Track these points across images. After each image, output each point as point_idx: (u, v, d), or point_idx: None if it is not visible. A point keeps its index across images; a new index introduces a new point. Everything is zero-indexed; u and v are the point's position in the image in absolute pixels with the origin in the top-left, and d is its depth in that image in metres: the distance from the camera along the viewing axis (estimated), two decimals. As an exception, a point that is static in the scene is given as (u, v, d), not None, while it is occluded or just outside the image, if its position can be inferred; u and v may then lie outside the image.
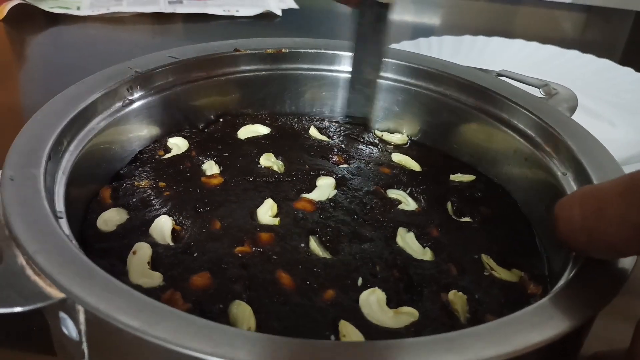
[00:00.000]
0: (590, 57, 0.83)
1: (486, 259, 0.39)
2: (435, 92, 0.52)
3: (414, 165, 0.49)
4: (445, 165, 0.49)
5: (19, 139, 0.36)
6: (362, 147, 0.50)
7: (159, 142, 0.48)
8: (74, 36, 0.93)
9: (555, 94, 0.46)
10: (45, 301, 0.27)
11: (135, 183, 0.43)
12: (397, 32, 0.99)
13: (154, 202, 0.41)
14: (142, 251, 0.36)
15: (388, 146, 0.51)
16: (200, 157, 0.46)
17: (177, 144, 0.47)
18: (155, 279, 0.34)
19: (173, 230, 0.38)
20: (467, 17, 1.20)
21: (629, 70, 0.80)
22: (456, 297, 0.35)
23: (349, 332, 0.32)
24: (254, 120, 0.52)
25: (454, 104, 0.51)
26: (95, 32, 0.94)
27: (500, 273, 0.38)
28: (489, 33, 0.87)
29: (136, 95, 0.46)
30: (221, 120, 0.51)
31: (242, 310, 0.33)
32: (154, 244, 0.37)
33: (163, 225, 0.38)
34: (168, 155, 0.46)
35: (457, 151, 0.50)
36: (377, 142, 0.52)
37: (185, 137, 0.48)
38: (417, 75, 0.52)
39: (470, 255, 0.39)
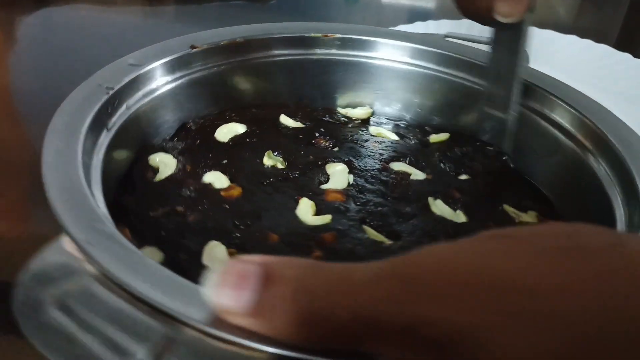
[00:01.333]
0: (588, 42, 0.81)
1: (508, 208, 0.43)
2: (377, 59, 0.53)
3: (390, 135, 0.50)
4: (418, 129, 0.52)
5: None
6: (337, 127, 0.50)
7: (140, 163, 0.43)
8: (64, 17, 0.89)
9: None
10: None
11: (151, 214, 0.38)
12: (394, 15, 0.98)
13: (184, 231, 0.37)
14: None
15: (356, 121, 0.52)
16: (198, 170, 0.42)
17: (164, 162, 0.43)
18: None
19: (229, 254, 0.36)
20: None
21: (626, 56, 0.77)
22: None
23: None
24: (221, 119, 0.48)
25: (407, 68, 0.53)
26: (86, 14, 0.90)
27: (525, 217, 0.42)
28: None
29: (114, 118, 0.40)
30: (188, 126, 0.47)
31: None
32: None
33: (217, 253, 0.36)
34: (161, 177, 0.42)
35: (421, 115, 0.53)
36: (346, 119, 0.52)
37: (166, 152, 0.44)
38: (358, 47, 0.53)
39: (494, 208, 0.43)
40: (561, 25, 0.97)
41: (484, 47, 0.50)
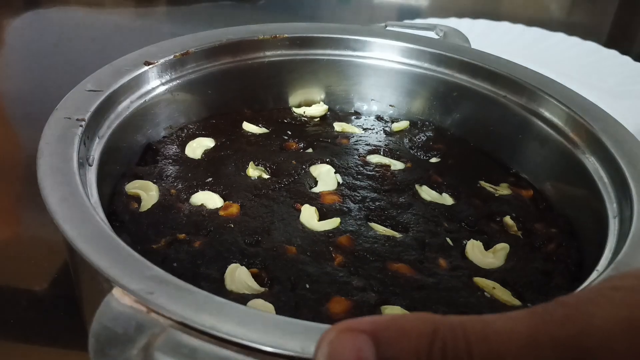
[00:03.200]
0: (575, 40, 0.81)
1: (484, 184, 0.45)
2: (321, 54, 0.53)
3: (355, 129, 0.51)
4: (378, 120, 0.53)
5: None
6: (301, 127, 0.50)
7: (119, 195, 0.40)
8: (53, 19, 0.86)
9: (444, 33, 0.53)
10: None
11: (154, 247, 0.36)
12: (382, 14, 0.94)
13: (196, 258, 0.35)
14: (262, 307, 0.32)
15: (315, 119, 0.52)
16: (183, 194, 0.40)
17: (143, 189, 0.40)
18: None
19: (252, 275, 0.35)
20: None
21: (613, 53, 0.78)
22: (507, 220, 0.41)
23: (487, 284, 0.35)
24: (185, 136, 0.46)
25: (350, 60, 0.53)
26: (75, 15, 0.87)
27: (502, 190, 0.45)
28: (476, 14, 0.85)
29: (91, 151, 0.37)
30: (154, 147, 0.45)
31: (392, 310, 0.33)
32: (247, 297, 0.33)
33: (240, 275, 0.34)
34: (148, 205, 0.39)
35: (376, 105, 0.54)
36: (305, 119, 0.52)
37: (141, 178, 0.41)
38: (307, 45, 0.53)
39: (473, 186, 0.45)
40: (553, 22, 1.00)
41: (424, 34, 0.52)
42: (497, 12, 1.05)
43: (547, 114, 0.45)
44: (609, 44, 0.82)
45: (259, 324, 0.24)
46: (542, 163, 0.46)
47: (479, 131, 0.50)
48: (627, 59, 0.77)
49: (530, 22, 0.86)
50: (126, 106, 0.42)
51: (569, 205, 0.43)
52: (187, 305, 0.24)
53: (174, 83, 0.46)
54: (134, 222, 0.38)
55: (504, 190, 0.45)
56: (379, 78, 0.53)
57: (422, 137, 0.50)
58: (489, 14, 0.89)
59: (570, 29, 0.85)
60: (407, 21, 0.55)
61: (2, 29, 0.85)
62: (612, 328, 0.20)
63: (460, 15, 0.85)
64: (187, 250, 0.36)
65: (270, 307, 0.32)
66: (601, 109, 0.43)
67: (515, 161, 0.48)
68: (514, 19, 0.87)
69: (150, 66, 0.44)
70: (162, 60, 0.45)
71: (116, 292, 0.25)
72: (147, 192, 0.40)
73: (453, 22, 0.79)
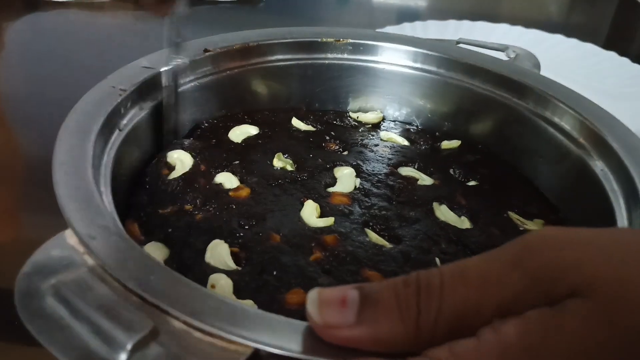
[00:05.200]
0: (574, 42, 0.82)
1: (513, 216, 0.43)
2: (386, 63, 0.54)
3: (401, 140, 0.51)
4: (429, 135, 0.52)
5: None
6: (348, 131, 0.51)
7: (158, 161, 0.44)
8: (53, 22, 0.89)
9: (517, 55, 0.51)
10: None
11: (160, 211, 0.40)
12: (382, 16, 0.98)
13: (191, 229, 0.38)
14: (222, 282, 0.34)
15: (366, 126, 0.53)
16: (212, 170, 0.43)
17: (181, 159, 0.44)
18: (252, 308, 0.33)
19: (231, 253, 0.37)
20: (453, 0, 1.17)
21: (612, 55, 0.79)
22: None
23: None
24: (234, 121, 0.50)
25: (417, 73, 0.53)
26: (74, 18, 0.90)
27: (530, 225, 0.42)
28: (474, 16, 0.86)
29: (127, 118, 0.41)
30: (202, 127, 0.48)
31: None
32: (220, 272, 0.35)
33: (221, 251, 0.36)
34: (176, 174, 0.43)
35: (432, 120, 0.53)
36: (356, 124, 0.53)
37: (185, 150, 0.45)
38: (369, 52, 0.54)
39: (499, 215, 0.43)
40: (552, 24, 0.99)
41: (495, 53, 0.50)
42: (496, 14, 1.03)
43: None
44: (607, 45, 0.82)
45: (168, 284, 0.26)
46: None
47: (541, 168, 0.47)
48: (625, 60, 0.78)
49: (529, 23, 0.87)
50: (183, 82, 0.46)
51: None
52: (116, 256, 0.27)
53: (230, 72, 0.49)
54: (158, 186, 0.42)
55: (534, 226, 0.42)
56: (441, 97, 0.52)
57: (470, 159, 0.49)
58: (487, 16, 0.88)
59: (569, 31, 0.85)
60: (480, 39, 0.53)
61: (2, 31, 0.86)
62: (582, 256, 0.22)
63: (459, 17, 0.85)
64: (187, 221, 0.39)
65: (229, 283, 0.34)
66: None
67: (565, 203, 0.45)
68: (513, 21, 0.87)
69: (208, 53, 0.48)
70: (220, 50, 0.48)
71: (68, 232, 0.29)
72: (182, 163, 0.44)
73: (452, 24, 0.81)
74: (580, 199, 0.43)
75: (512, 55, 0.51)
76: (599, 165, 0.41)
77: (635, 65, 0.77)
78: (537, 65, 0.50)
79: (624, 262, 0.22)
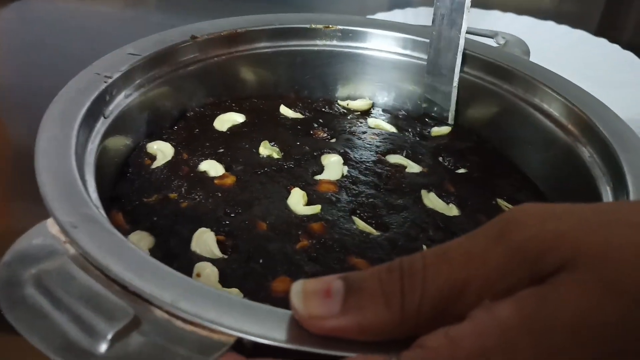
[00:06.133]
0: (565, 29, 0.83)
1: (502, 202, 0.43)
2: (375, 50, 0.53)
3: (389, 127, 0.51)
4: (418, 121, 0.52)
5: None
6: (337, 118, 0.51)
7: (138, 151, 0.44)
8: (41, 10, 0.87)
9: (506, 41, 0.51)
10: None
11: (145, 199, 0.39)
12: (373, 3, 0.97)
13: (176, 217, 0.38)
14: (207, 271, 0.34)
15: (355, 113, 0.52)
16: (195, 159, 0.43)
17: (161, 149, 0.44)
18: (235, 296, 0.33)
19: (217, 242, 0.36)
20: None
21: (603, 42, 0.79)
22: (503, 243, 0.39)
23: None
24: (221, 109, 0.49)
25: (406, 60, 0.53)
26: (63, 5, 0.89)
27: (518, 212, 0.42)
28: None
29: (112, 105, 0.41)
30: (188, 115, 0.48)
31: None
32: (208, 261, 0.35)
33: (207, 239, 0.36)
34: (159, 164, 0.42)
35: (422, 107, 0.53)
36: (345, 111, 0.52)
37: (164, 140, 0.45)
38: (359, 39, 0.53)
39: (487, 202, 0.43)
40: (543, 10, 0.99)
41: (484, 40, 0.50)
42: (487, 1, 1.02)
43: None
44: (598, 32, 0.82)
45: (150, 273, 0.26)
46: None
47: (530, 155, 0.47)
48: (616, 47, 0.78)
49: (520, 10, 0.87)
50: (162, 73, 0.45)
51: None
52: (98, 244, 0.27)
53: (218, 59, 0.49)
54: (141, 176, 0.41)
55: (523, 213, 0.42)
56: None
57: (459, 147, 0.48)
58: (479, 3, 0.86)
59: (560, 18, 0.85)
60: (471, 26, 0.53)
61: (-12, 20, 0.84)
62: (565, 227, 0.22)
63: (451, 3, 0.84)
64: (172, 209, 0.38)
65: (215, 272, 0.34)
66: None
67: (553, 190, 0.45)
68: (504, 8, 0.87)
69: (196, 40, 0.47)
70: (208, 36, 0.48)
71: (50, 221, 0.28)
72: (163, 153, 0.44)
73: None
74: (568, 186, 0.43)
75: (502, 42, 0.51)
76: (586, 152, 0.41)
77: (626, 52, 0.77)
78: (527, 52, 0.50)
79: (605, 227, 0.22)
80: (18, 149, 0.59)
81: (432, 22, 0.48)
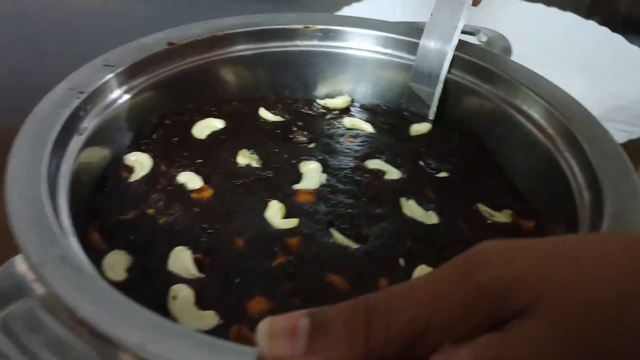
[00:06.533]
0: (554, 11, 0.81)
1: (482, 208, 0.43)
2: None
3: (367, 127, 0.50)
4: (397, 117, 0.51)
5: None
6: (316, 120, 0.50)
7: (117, 162, 0.43)
8: (21, 6, 0.85)
9: (488, 38, 0.50)
10: None
11: (121, 217, 0.39)
12: None
13: (154, 235, 0.38)
14: (183, 293, 0.34)
15: (334, 112, 0.52)
16: (173, 170, 0.43)
17: (139, 161, 0.43)
18: (210, 318, 0.33)
19: (194, 260, 0.36)
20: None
21: (592, 24, 0.78)
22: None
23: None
24: (201, 114, 0.49)
25: (386, 58, 0.52)
26: (52, 1, 0.86)
27: (499, 217, 0.42)
28: None
29: (86, 121, 0.40)
30: (167, 122, 0.48)
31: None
32: (184, 281, 0.35)
33: (183, 259, 0.36)
34: (137, 177, 0.42)
35: (396, 102, 0.52)
36: (324, 110, 0.52)
37: (142, 151, 0.44)
38: (339, 38, 0.53)
39: (467, 207, 0.42)
40: None
41: (470, 39, 0.50)
42: None
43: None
44: (587, 15, 0.81)
45: (119, 313, 0.26)
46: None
47: (512, 157, 0.47)
48: (605, 30, 0.77)
49: None
50: (139, 83, 0.45)
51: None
52: (68, 283, 0.27)
53: (196, 64, 0.48)
54: (118, 190, 0.41)
55: (502, 217, 0.42)
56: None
57: (440, 148, 0.48)
58: None
59: (549, 0, 0.83)
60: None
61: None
62: (525, 270, 0.22)
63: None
64: (149, 225, 0.38)
65: (190, 294, 0.34)
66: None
67: (534, 193, 0.45)
68: None
69: (173, 46, 0.47)
70: (185, 42, 0.47)
71: (18, 257, 0.28)
72: (141, 165, 0.43)
73: (416, 3, 0.77)
74: (547, 189, 0.43)
75: (484, 39, 0.50)
76: (565, 156, 0.41)
77: (615, 35, 0.76)
78: (508, 49, 0.49)
79: (567, 265, 0.23)
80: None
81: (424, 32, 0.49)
